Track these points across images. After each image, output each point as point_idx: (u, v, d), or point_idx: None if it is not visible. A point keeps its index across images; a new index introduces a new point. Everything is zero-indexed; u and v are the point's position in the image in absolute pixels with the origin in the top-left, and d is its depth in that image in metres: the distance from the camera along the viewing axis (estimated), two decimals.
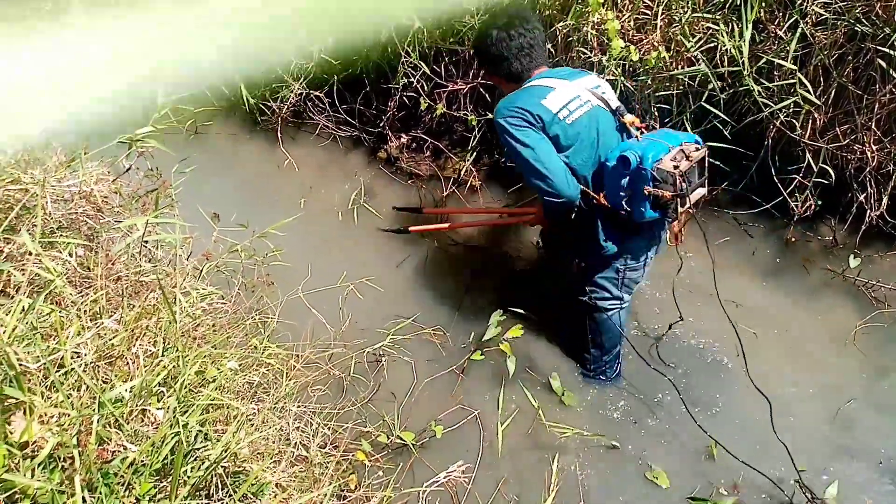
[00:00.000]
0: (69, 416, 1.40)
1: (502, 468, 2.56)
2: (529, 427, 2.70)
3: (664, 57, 3.01)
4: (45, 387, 1.48)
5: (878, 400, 2.76)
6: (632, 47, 2.99)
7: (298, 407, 2.26)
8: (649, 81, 3.15)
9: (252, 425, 1.88)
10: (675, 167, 2.09)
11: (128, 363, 1.69)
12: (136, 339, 1.78)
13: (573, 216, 2.44)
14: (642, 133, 2.33)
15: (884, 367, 2.87)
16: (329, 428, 2.34)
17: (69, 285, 1.83)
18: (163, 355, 1.73)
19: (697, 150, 2.19)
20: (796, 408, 2.68)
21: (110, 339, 1.70)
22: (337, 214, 3.67)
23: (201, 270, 2.38)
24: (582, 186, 2.35)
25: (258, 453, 1.86)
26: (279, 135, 4.01)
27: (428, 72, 3.52)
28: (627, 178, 2.19)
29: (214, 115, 4.18)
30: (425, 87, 3.59)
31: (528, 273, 3.29)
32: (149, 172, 2.72)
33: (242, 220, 2.75)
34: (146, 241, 2.21)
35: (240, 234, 2.72)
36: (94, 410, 1.44)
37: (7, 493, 1.28)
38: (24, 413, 1.36)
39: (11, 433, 1.32)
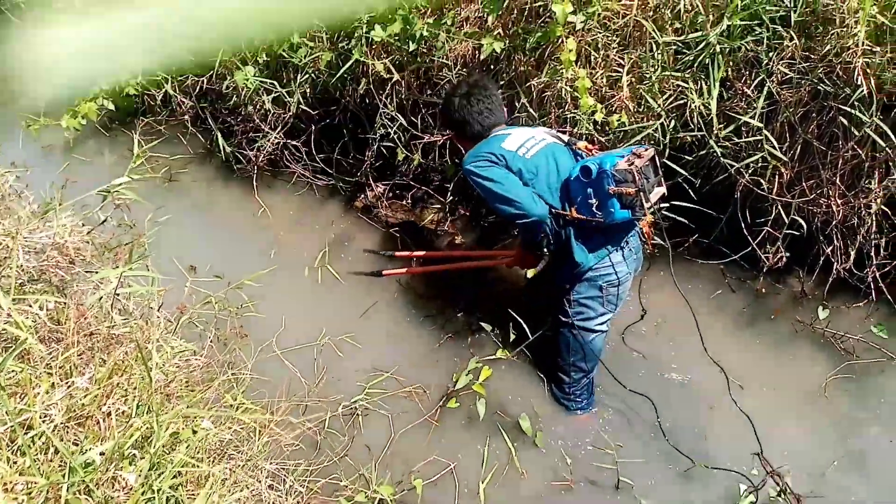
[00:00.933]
0: (37, 483, 1.35)
1: None
2: (506, 474, 2.69)
3: (623, 122, 3.11)
4: (12, 451, 1.43)
5: (849, 452, 2.78)
6: (598, 106, 3.08)
7: (271, 464, 2.20)
8: (620, 137, 3.22)
9: (225, 487, 1.82)
10: (631, 164, 2.34)
11: (99, 423, 1.64)
12: (108, 398, 1.73)
13: (547, 245, 2.64)
14: (595, 154, 2.61)
15: (853, 418, 2.90)
16: (304, 486, 2.28)
17: (39, 342, 1.77)
18: (135, 415, 1.68)
19: (647, 150, 2.42)
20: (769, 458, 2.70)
21: (81, 399, 1.65)
22: (311, 263, 3.63)
23: (175, 324, 2.33)
24: (553, 208, 2.53)
25: None
26: (255, 183, 4.00)
27: (405, 123, 3.56)
28: (590, 187, 2.41)
29: (189, 163, 4.16)
30: (402, 139, 3.62)
31: (502, 314, 3.28)
32: (122, 221, 2.69)
33: (216, 270, 2.72)
34: (118, 294, 2.17)
35: (213, 284, 2.68)
36: (63, 476, 1.38)
37: None
38: None
39: None
